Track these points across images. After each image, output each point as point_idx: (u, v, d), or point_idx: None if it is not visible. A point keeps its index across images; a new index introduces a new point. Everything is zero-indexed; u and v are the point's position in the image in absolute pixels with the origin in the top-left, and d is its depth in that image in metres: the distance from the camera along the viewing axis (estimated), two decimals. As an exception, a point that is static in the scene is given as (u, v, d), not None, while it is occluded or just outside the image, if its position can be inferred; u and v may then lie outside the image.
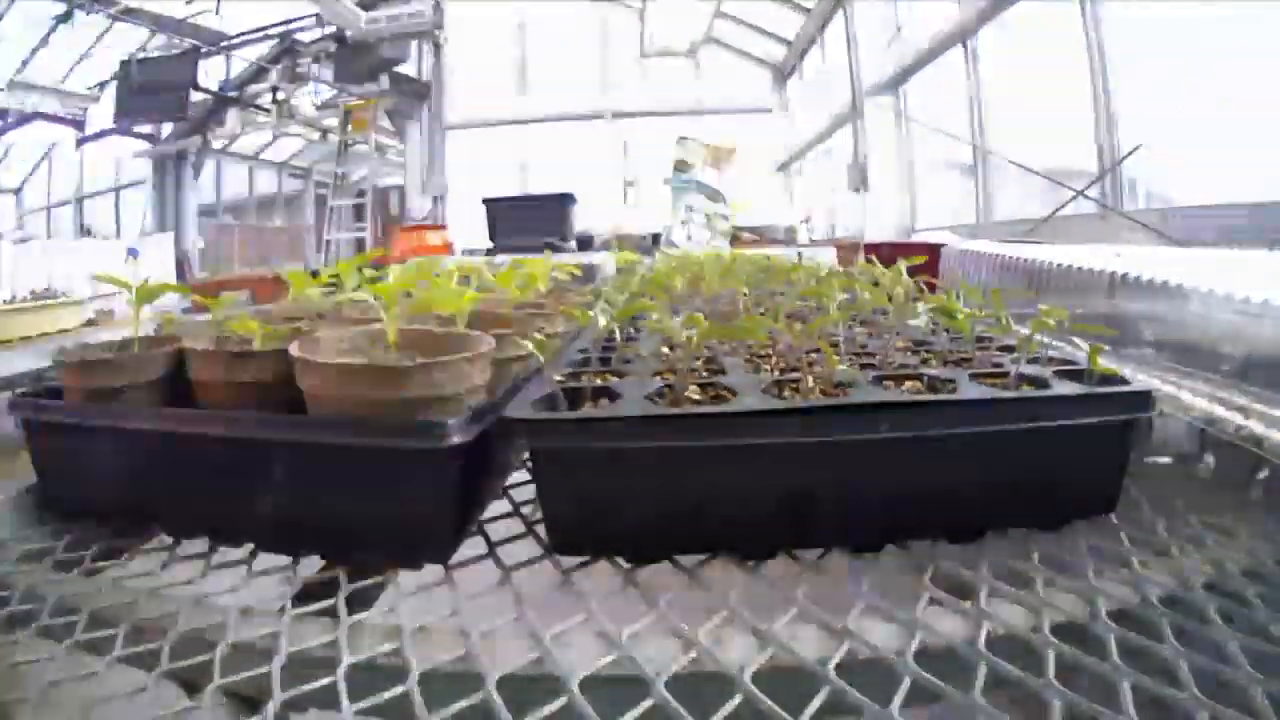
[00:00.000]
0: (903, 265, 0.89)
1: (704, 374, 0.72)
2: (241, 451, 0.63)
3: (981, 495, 0.61)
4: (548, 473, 0.60)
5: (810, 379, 0.65)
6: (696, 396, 0.65)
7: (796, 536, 0.60)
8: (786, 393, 0.64)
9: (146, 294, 0.77)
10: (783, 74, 9.28)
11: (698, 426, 0.57)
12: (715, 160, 4.80)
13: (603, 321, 0.74)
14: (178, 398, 0.72)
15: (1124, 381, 0.63)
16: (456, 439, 0.57)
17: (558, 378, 0.67)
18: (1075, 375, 0.66)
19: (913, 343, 0.87)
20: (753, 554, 0.59)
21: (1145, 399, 0.61)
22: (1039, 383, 0.65)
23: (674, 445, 0.58)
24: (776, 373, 0.72)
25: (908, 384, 0.67)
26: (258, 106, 7.70)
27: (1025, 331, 0.71)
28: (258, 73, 7.66)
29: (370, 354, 0.65)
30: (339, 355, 0.64)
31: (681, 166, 4.91)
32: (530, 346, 0.66)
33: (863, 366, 0.73)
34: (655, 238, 4.99)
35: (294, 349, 0.61)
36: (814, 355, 0.75)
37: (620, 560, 0.59)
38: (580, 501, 0.60)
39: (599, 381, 0.68)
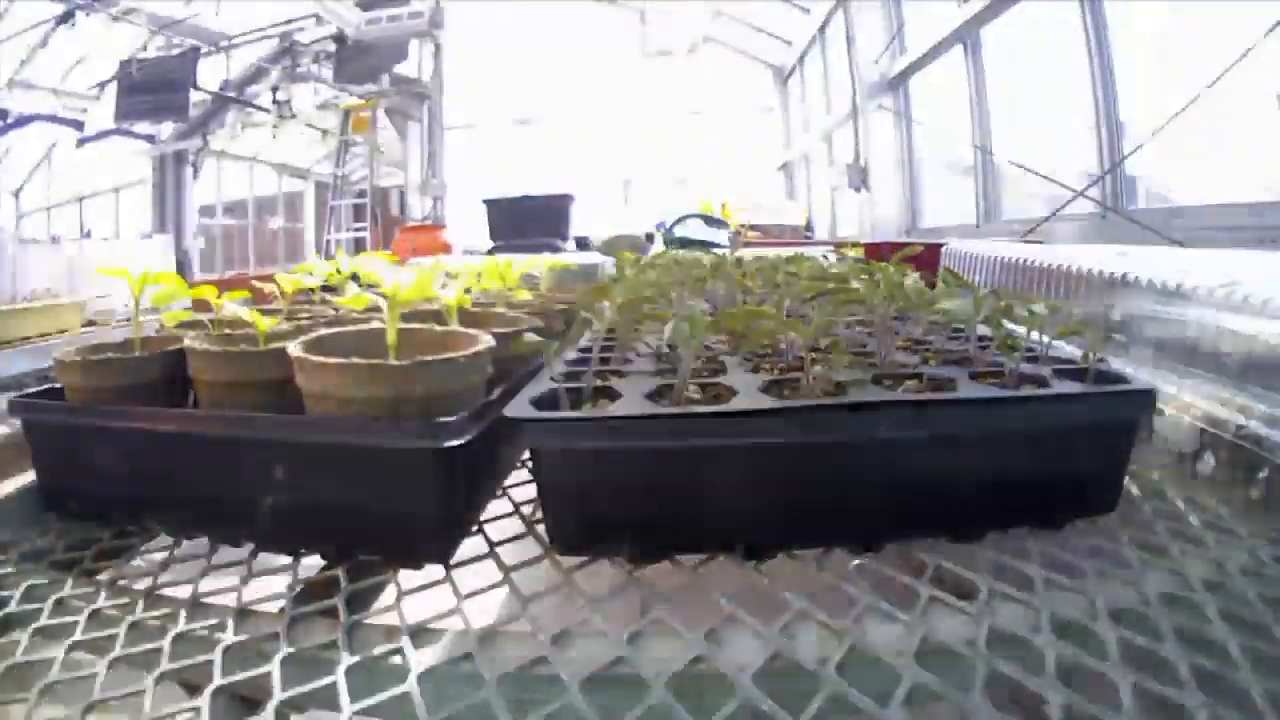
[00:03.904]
0: (907, 270, 0.89)
1: (704, 373, 0.72)
2: (239, 452, 0.63)
3: (982, 494, 0.61)
4: (548, 472, 0.60)
5: (810, 378, 0.65)
6: (696, 396, 0.65)
7: (797, 535, 0.60)
8: (786, 392, 0.64)
9: (159, 297, 0.77)
10: (783, 74, 9.29)
11: (697, 426, 0.57)
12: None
13: (604, 319, 0.73)
14: (179, 397, 0.72)
15: (1124, 380, 0.63)
16: (455, 439, 0.57)
17: (558, 376, 0.67)
18: (1076, 374, 0.66)
19: (912, 341, 0.86)
20: (753, 553, 0.59)
21: (1147, 398, 0.61)
22: (1039, 381, 0.65)
23: (674, 445, 0.58)
24: (776, 372, 0.72)
25: (907, 383, 0.67)
26: (257, 106, 7.70)
27: (1021, 330, 0.71)
28: (257, 73, 7.66)
29: (369, 353, 0.65)
30: (338, 354, 0.64)
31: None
32: (534, 341, 0.66)
33: (864, 365, 0.73)
34: (652, 237, 4.97)
35: (292, 348, 0.61)
36: (814, 355, 0.75)
37: (621, 560, 0.59)
38: (580, 501, 0.60)
39: (599, 381, 0.68)
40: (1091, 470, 0.63)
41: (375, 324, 0.73)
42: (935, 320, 0.91)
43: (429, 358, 0.60)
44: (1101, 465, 0.63)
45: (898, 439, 0.58)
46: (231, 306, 0.81)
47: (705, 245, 3.71)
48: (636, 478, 0.59)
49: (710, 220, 4.76)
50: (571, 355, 0.79)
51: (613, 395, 0.64)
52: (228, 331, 0.79)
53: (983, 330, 0.79)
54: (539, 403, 0.61)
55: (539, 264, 1.32)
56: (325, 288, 1.14)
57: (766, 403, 0.59)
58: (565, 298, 1.18)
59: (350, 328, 0.72)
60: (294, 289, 1.00)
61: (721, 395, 0.63)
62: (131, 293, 0.76)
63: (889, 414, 0.58)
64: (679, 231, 4.61)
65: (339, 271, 1.08)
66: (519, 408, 0.59)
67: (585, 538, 0.60)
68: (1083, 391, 0.61)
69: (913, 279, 0.81)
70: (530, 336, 0.69)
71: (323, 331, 0.69)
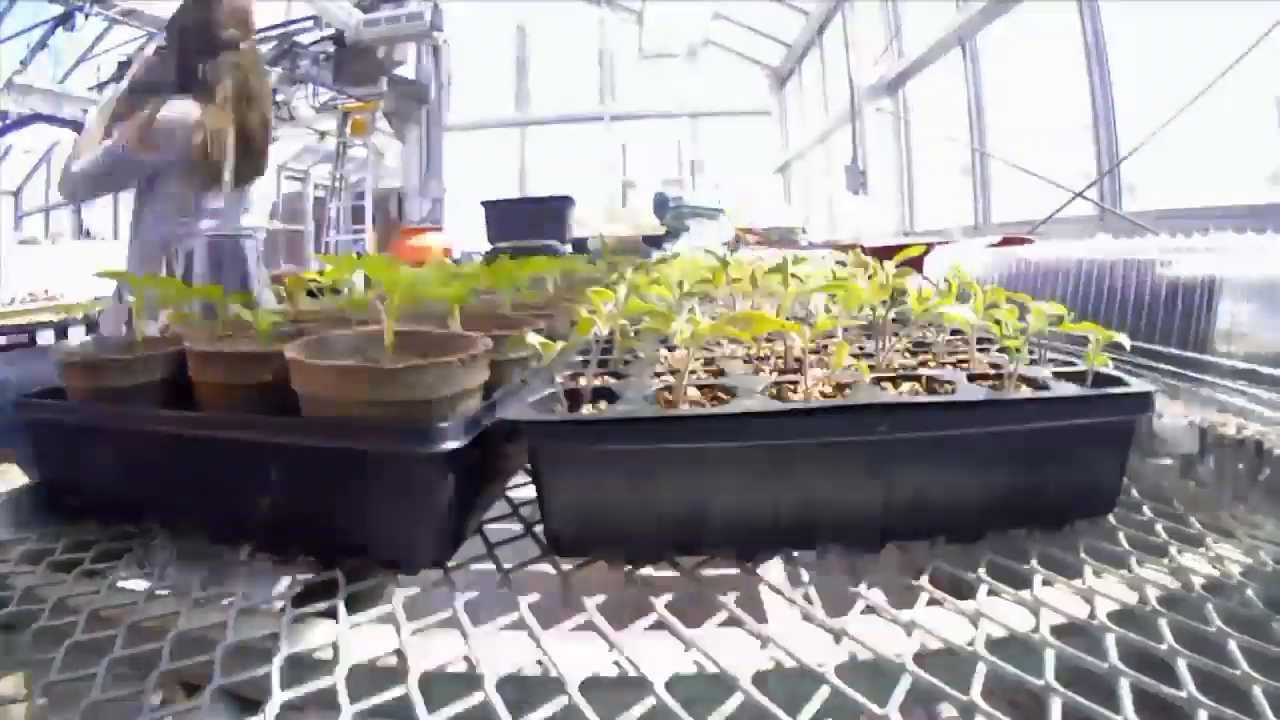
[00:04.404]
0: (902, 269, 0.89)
1: (703, 375, 0.72)
2: (237, 454, 0.63)
3: (980, 496, 0.61)
4: (545, 474, 0.60)
5: (809, 379, 0.65)
6: (696, 397, 0.65)
7: (796, 537, 0.60)
8: (786, 394, 0.64)
9: (161, 300, 0.77)
10: (781, 76, 9.30)
11: (695, 428, 0.57)
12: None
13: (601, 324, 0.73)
14: (180, 398, 0.72)
15: (1123, 382, 0.63)
16: (452, 443, 0.56)
17: (557, 379, 0.67)
18: (1075, 376, 0.66)
19: (912, 343, 0.87)
20: (752, 555, 0.59)
21: (1144, 400, 0.61)
22: (1038, 384, 0.65)
23: (671, 447, 0.58)
24: (776, 374, 0.72)
25: (906, 385, 0.67)
26: (257, 108, 7.68)
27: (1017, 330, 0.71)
28: (257, 74, 7.66)
29: (369, 355, 0.65)
30: (336, 356, 0.64)
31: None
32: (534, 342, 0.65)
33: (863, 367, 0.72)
34: (651, 239, 4.97)
35: (289, 351, 0.61)
36: (814, 357, 0.75)
37: (621, 561, 0.59)
38: (578, 503, 0.60)
39: (598, 382, 0.68)
40: (1090, 472, 0.63)
41: (375, 325, 0.73)
42: (935, 323, 0.91)
43: (425, 360, 0.60)
44: (1100, 467, 0.63)
45: (896, 441, 0.58)
46: (235, 308, 0.81)
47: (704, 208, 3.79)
48: (633, 480, 0.59)
49: (706, 210, 4.80)
50: (573, 358, 0.79)
51: (612, 397, 0.64)
52: (231, 333, 0.79)
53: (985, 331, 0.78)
54: (538, 404, 0.61)
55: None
56: (331, 289, 1.14)
57: (765, 405, 0.59)
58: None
59: (350, 329, 0.72)
60: (299, 289, 1.00)
61: (721, 397, 0.63)
62: (133, 294, 0.76)
63: (888, 416, 0.58)
64: (673, 220, 4.65)
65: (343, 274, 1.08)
66: (517, 409, 0.59)
67: (583, 540, 0.60)
68: (1080, 394, 0.62)
69: (917, 280, 0.81)
70: (533, 338, 0.68)
71: (322, 334, 0.69)
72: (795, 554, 0.60)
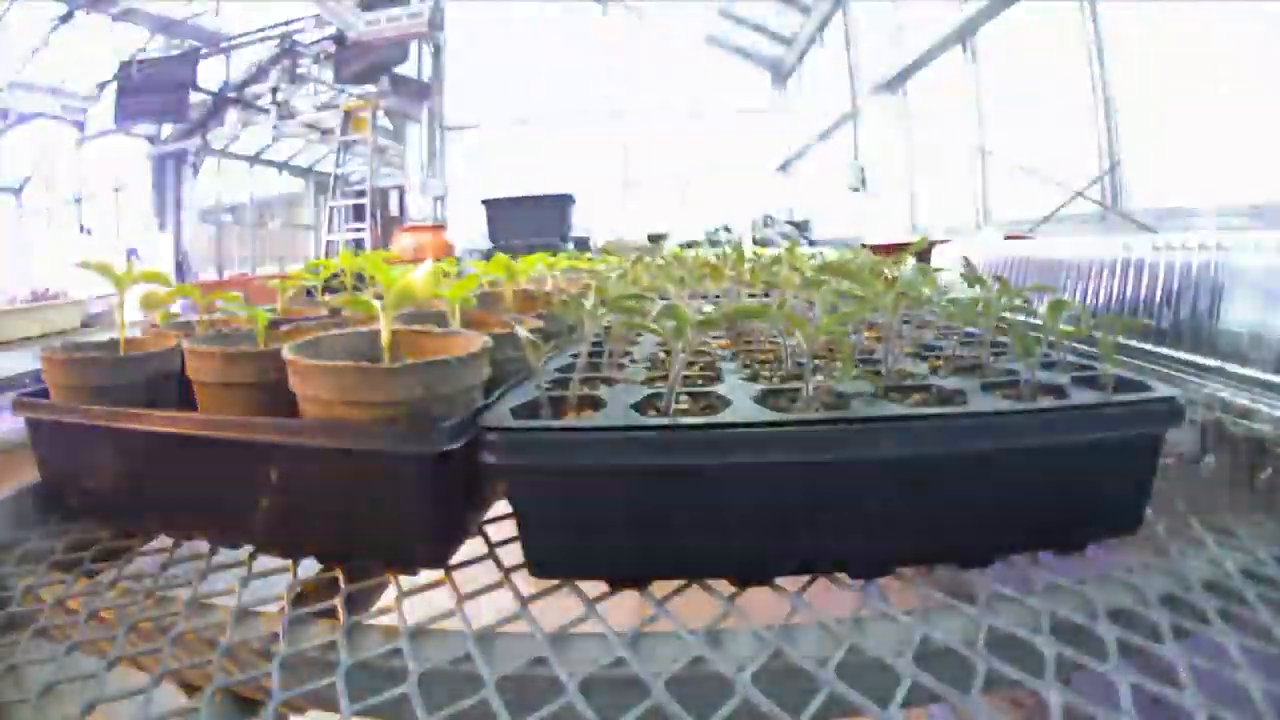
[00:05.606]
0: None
1: (698, 381, 0.69)
2: (235, 454, 0.63)
3: (992, 516, 0.56)
4: (515, 489, 0.56)
5: (809, 388, 0.61)
6: (686, 405, 0.61)
7: (793, 562, 0.56)
8: (784, 404, 0.60)
9: (148, 298, 0.77)
10: (782, 74, 9.29)
11: (678, 440, 0.52)
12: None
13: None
14: (167, 397, 0.71)
15: (1146, 387, 0.59)
16: (449, 444, 0.55)
17: (544, 383, 0.64)
18: (1096, 381, 0.62)
19: (923, 347, 0.83)
20: (747, 580, 0.55)
21: (1171, 407, 0.56)
22: (1056, 391, 0.60)
23: (650, 461, 0.53)
24: (776, 380, 0.68)
25: (915, 396, 0.63)
26: (258, 107, 7.69)
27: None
28: (258, 73, 7.66)
29: (367, 355, 0.64)
30: (333, 357, 0.64)
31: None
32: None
33: (869, 374, 0.68)
34: (655, 239, 4.97)
35: (286, 351, 0.61)
36: (818, 362, 0.72)
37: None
38: (552, 522, 0.56)
39: (586, 389, 0.65)
40: (1112, 486, 0.58)
41: (374, 326, 0.72)
42: (948, 326, 0.89)
43: (421, 360, 0.59)
44: (1123, 481, 0.58)
45: (901, 457, 0.53)
46: (226, 305, 0.81)
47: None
48: (613, 495, 0.54)
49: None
50: (564, 360, 0.77)
51: (597, 404, 0.61)
52: (223, 331, 0.79)
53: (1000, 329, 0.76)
54: (519, 411, 0.58)
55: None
56: (326, 288, 1.14)
57: (757, 415, 0.55)
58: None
59: (348, 329, 0.72)
60: (295, 289, 1.00)
61: (713, 406, 0.60)
62: (118, 291, 0.75)
63: (892, 430, 0.53)
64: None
65: (340, 272, 1.08)
66: (494, 417, 0.56)
67: (560, 561, 0.56)
68: (1101, 402, 0.57)
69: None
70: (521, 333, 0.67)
71: (322, 333, 0.69)
72: (789, 580, 0.55)
